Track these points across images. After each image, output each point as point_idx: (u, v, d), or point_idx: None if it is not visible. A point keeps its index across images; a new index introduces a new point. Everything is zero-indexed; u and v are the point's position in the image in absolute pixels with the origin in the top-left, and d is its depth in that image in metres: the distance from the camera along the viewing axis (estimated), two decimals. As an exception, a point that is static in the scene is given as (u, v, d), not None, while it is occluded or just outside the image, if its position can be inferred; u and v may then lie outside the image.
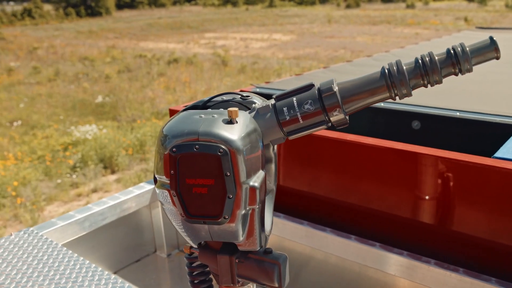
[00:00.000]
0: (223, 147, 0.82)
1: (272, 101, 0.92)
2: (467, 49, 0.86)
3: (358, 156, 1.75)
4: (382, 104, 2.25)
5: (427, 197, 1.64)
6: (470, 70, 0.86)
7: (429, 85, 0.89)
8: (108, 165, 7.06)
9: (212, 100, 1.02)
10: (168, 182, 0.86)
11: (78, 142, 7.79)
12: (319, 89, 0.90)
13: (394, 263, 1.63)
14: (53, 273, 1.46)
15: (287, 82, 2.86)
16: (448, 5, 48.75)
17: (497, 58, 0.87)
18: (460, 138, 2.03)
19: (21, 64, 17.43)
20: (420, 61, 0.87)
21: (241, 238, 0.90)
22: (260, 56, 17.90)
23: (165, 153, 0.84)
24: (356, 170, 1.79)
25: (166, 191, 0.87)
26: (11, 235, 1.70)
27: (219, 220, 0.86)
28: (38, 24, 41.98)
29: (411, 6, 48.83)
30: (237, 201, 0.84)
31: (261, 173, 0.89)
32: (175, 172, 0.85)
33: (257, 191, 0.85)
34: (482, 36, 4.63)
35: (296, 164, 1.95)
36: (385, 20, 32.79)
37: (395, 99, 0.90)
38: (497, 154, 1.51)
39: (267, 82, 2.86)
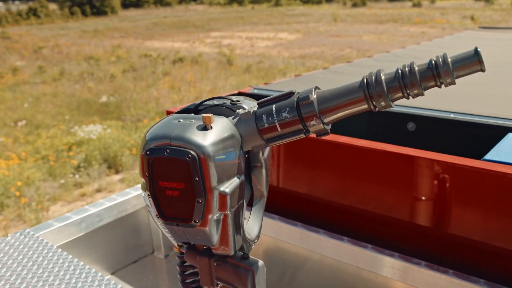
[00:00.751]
0: (192, 152, 0.83)
1: (255, 108, 0.93)
2: (449, 60, 0.81)
3: (351, 158, 1.76)
4: (377, 106, 2.25)
5: (419, 199, 1.65)
6: (452, 83, 0.82)
7: (410, 97, 0.85)
8: (112, 165, 7.10)
9: (204, 104, 1.04)
10: None
11: (82, 142, 7.83)
12: (297, 96, 0.88)
13: (386, 265, 1.64)
14: (47, 274, 1.47)
15: (286, 84, 2.87)
16: (455, 4, 48.51)
17: (482, 70, 0.81)
18: (455, 139, 2.03)
19: (26, 63, 17.53)
20: (400, 72, 0.83)
21: (214, 242, 0.91)
22: (265, 55, 17.90)
23: (141, 154, 0.87)
24: (349, 172, 1.79)
25: (145, 192, 0.90)
26: (7, 236, 1.72)
27: (190, 223, 0.87)
28: (43, 23, 42.18)
29: (417, 5, 48.65)
30: (208, 206, 0.86)
31: (235, 180, 0.89)
32: (149, 174, 0.87)
33: (228, 197, 0.86)
34: (485, 36, 4.62)
35: (290, 165, 1.96)
36: (391, 18, 32.68)
37: (375, 111, 0.87)
38: (487, 156, 1.51)
39: (265, 84, 2.87)
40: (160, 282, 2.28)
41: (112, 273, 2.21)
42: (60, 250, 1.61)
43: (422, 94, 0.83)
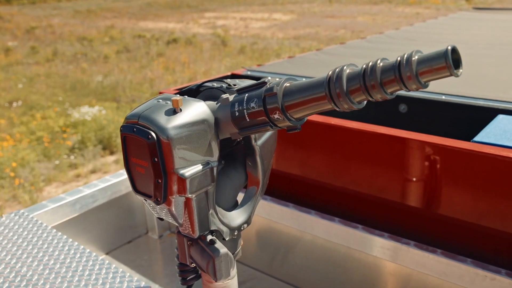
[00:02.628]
0: (152, 133, 0.84)
1: (235, 93, 0.91)
2: (413, 59, 0.66)
3: (342, 140, 1.78)
4: (370, 88, 2.26)
5: (409, 180, 1.67)
6: (419, 88, 0.68)
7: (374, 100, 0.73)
8: (107, 146, 7.10)
9: (203, 85, 1.04)
10: None
11: (77, 123, 7.80)
12: (265, 88, 0.83)
13: (376, 245, 1.67)
14: (42, 254, 1.49)
15: (279, 65, 2.87)
16: (451, -16, 48.05)
17: (454, 75, 0.66)
18: (446, 121, 2.05)
19: (19, 43, 17.33)
20: (363, 70, 0.71)
21: (180, 222, 0.94)
22: (260, 36, 17.77)
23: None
24: (341, 153, 1.81)
25: None
26: (1, 217, 1.73)
27: (154, 200, 0.90)
28: (35, 2, 41.48)
29: (413, -15, 48.20)
30: (168, 187, 0.87)
31: (201, 165, 0.89)
32: (123, 149, 0.90)
33: (187, 182, 0.87)
34: (478, 17, 4.61)
35: (282, 147, 1.97)
36: (387, -1, 32.41)
37: (340, 111, 0.77)
38: (476, 138, 1.53)
39: (258, 65, 2.87)
40: (154, 262, 2.31)
41: (107, 253, 2.24)
42: (55, 230, 1.63)
43: (387, 98, 0.71)
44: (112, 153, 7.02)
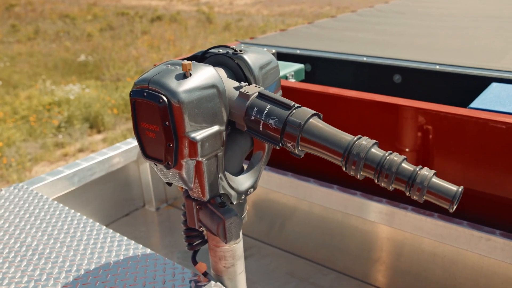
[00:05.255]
0: (163, 97, 0.85)
1: (256, 93, 0.93)
2: (428, 182, 0.79)
3: (340, 109, 1.80)
4: (364, 58, 2.28)
5: (407, 147, 1.70)
6: (418, 200, 0.82)
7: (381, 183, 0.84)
8: (94, 125, 7.04)
9: (209, 51, 1.05)
10: None
11: (62, 101, 7.71)
12: (290, 114, 0.89)
13: (374, 210, 1.71)
14: (46, 225, 1.50)
15: (272, 38, 2.87)
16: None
17: (450, 210, 0.81)
18: (440, 90, 2.08)
19: (-1, 22, 16.93)
20: (384, 159, 0.82)
21: (190, 186, 0.95)
22: (245, 13, 17.60)
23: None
24: (339, 122, 1.83)
25: None
26: (1, 190, 1.72)
27: (164, 164, 0.91)
28: (14, -20, 40.35)
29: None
30: (179, 150, 0.88)
31: (210, 129, 0.90)
32: (133, 115, 0.91)
33: (198, 145, 0.88)
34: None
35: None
36: (372, -25, 32.21)
37: (347, 172, 0.87)
38: (473, 104, 1.56)
39: (251, 38, 2.86)
40: (152, 234, 2.33)
41: (105, 226, 2.25)
42: (56, 202, 1.63)
43: (388, 188, 0.83)
44: (99, 131, 6.97)
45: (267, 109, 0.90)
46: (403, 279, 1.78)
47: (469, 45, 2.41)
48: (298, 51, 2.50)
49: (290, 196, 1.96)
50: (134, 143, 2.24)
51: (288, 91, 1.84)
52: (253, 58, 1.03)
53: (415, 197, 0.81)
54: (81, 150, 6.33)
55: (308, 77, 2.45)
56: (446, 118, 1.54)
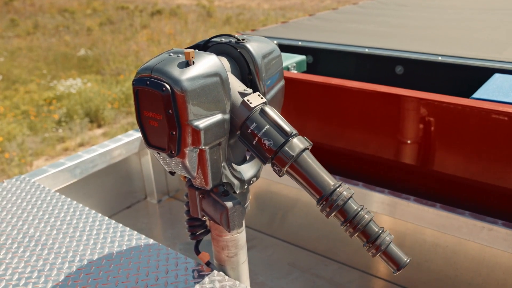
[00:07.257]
0: (167, 85, 0.85)
1: (259, 109, 0.94)
2: (386, 247, 0.90)
3: (342, 99, 1.80)
4: (366, 50, 2.27)
5: (410, 138, 1.70)
6: (372, 256, 0.92)
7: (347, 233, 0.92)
8: (94, 119, 7.03)
9: (212, 40, 1.05)
10: None
11: (62, 96, 7.70)
12: (286, 142, 0.91)
13: (376, 201, 1.71)
14: (48, 216, 1.50)
15: (273, 30, 2.86)
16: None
17: (393, 272, 0.92)
18: (443, 82, 2.08)
19: (-2, 16, 16.88)
20: (358, 212, 0.90)
21: (193, 174, 0.95)
22: (245, 7, 17.55)
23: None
24: (341, 113, 1.83)
25: None
26: (2, 182, 1.72)
27: (167, 153, 0.91)
28: (13, -25, 40.19)
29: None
30: (182, 139, 0.88)
31: (214, 117, 0.90)
32: (135, 103, 0.90)
33: (201, 133, 0.88)
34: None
35: (282, 107, 1.98)
36: (372, -32, 32.06)
37: (319, 210, 0.95)
38: (475, 95, 1.56)
39: (252, 30, 2.85)
40: (154, 226, 2.33)
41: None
42: (58, 194, 1.63)
43: (349, 236, 0.93)
44: (99, 126, 6.97)
45: (265, 129, 0.92)
46: (405, 269, 1.78)
47: (472, 37, 2.40)
48: (299, 43, 2.49)
49: (292, 188, 1.96)
50: (136, 135, 2.23)
51: (290, 82, 1.84)
52: (256, 47, 1.02)
53: (369, 253, 0.91)
54: (81, 145, 6.33)
55: (310, 69, 2.44)
56: (448, 108, 1.54)
